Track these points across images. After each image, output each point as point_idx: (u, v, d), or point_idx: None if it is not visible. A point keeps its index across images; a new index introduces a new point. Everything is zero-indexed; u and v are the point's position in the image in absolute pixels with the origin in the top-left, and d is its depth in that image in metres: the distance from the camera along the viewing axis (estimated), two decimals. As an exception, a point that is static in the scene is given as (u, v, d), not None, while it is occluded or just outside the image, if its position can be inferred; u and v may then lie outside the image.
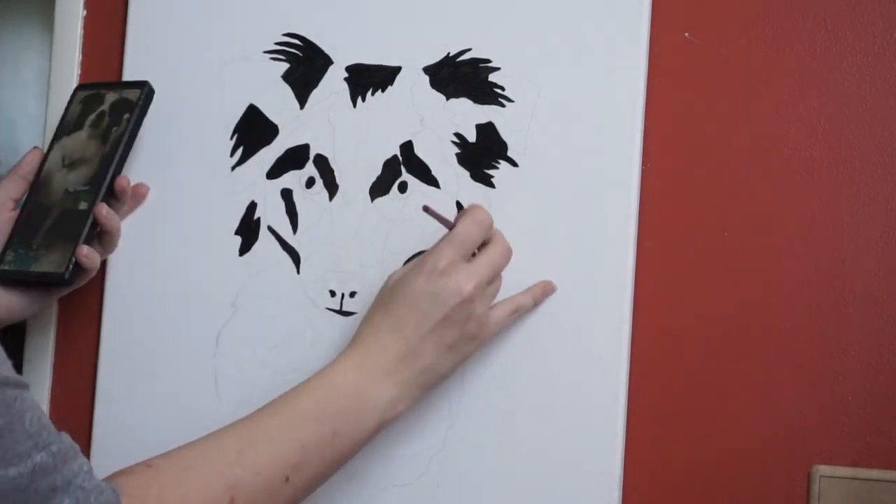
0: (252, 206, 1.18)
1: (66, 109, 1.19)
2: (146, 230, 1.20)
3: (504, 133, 1.12)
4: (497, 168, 1.12)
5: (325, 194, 1.15)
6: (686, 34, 1.11)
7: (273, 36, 1.19)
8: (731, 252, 1.09)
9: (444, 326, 1.01)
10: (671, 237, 1.10)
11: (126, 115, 1.15)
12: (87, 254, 1.11)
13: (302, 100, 1.18)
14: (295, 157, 1.17)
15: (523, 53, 1.12)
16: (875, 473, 1.03)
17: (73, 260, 1.10)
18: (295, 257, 1.16)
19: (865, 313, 1.06)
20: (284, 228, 1.16)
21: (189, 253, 1.19)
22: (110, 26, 1.26)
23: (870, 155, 1.07)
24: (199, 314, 1.18)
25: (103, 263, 1.21)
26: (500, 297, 1.07)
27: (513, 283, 1.10)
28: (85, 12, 1.26)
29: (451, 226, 1.05)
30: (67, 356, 1.24)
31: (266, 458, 0.94)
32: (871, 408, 1.05)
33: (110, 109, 1.17)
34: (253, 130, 1.18)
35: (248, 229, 1.17)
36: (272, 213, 1.17)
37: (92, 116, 1.17)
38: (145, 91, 1.16)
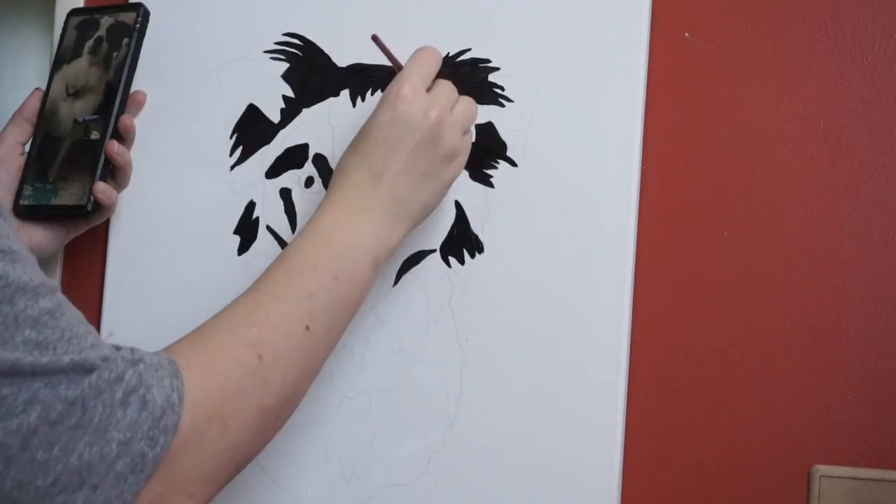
0: (251, 206, 1.18)
1: (62, 37, 1.19)
2: (145, 229, 1.20)
3: (503, 133, 1.12)
4: (496, 168, 1.12)
5: (325, 194, 1.15)
6: (686, 34, 1.11)
7: (273, 36, 1.19)
8: (731, 252, 1.09)
9: (415, 153, 1.00)
10: (671, 237, 1.10)
11: (125, 40, 1.15)
12: (104, 190, 1.12)
13: (301, 99, 1.18)
14: (294, 157, 1.17)
15: (523, 53, 1.12)
16: (875, 473, 1.03)
17: (92, 192, 1.11)
18: (294, 257, 1.16)
19: (865, 313, 1.05)
20: (283, 228, 1.16)
21: (188, 252, 1.19)
22: (110, 26, 1.26)
23: (870, 155, 1.07)
24: (198, 314, 1.17)
25: (103, 263, 1.21)
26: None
27: (512, 283, 1.10)
28: (85, 11, 1.26)
29: (399, 66, 1.05)
30: (67, 356, 1.24)
31: (279, 313, 0.93)
32: (871, 408, 1.05)
33: (108, 34, 1.17)
34: (252, 130, 1.18)
35: (247, 229, 1.17)
36: (271, 213, 1.17)
37: (89, 42, 1.17)
38: (141, 13, 1.16)
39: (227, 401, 0.87)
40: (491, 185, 1.12)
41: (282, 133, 1.18)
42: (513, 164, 1.11)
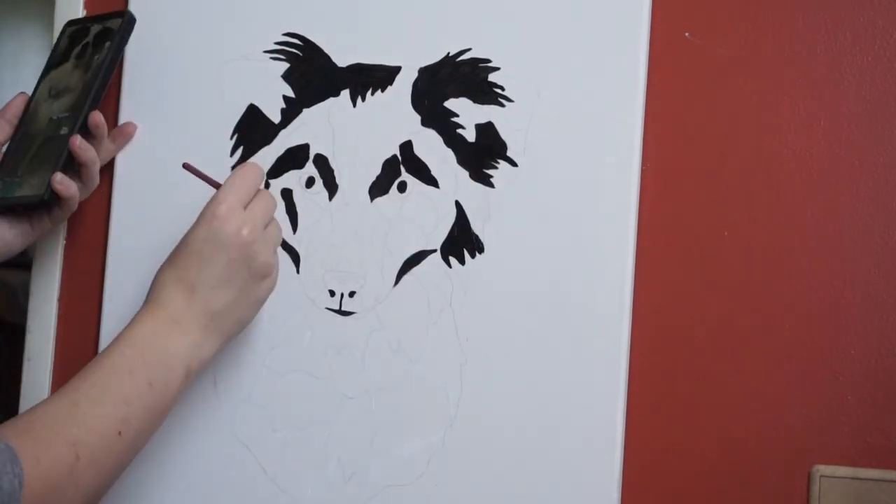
0: (251, 206, 1.18)
1: (55, 45, 1.20)
2: (145, 229, 1.20)
3: (503, 133, 1.12)
4: (496, 168, 1.12)
5: (325, 194, 1.15)
6: (686, 34, 1.11)
7: (273, 36, 1.19)
8: (731, 252, 1.09)
9: (229, 270, 1.04)
10: (671, 237, 1.10)
11: (107, 43, 1.16)
12: (61, 180, 1.11)
13: (302, 99, 1.18)
14: (295, 157, 1.17)
15: (523, 53, 1.12)
16: (875, 473, 1.03)
17: (50, 182, 1.11)
18: (294, 257, 1.16)
19: (865, 313, 1.06)
20: (284, 228, 1.16)
21: (188, 252, 1.18)
22: (110, 26, 1.26)
23: (870, 155, 1.07)
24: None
25: (103, 263, 1.21)
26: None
27: (512, 283, 1.10)
28: (85, 12, 1.26)
29: (216, 185, 1.07)
30: (68, 356, 1.24)
31: (95, 416, 0.96)
32: (871, 408, 1.05)
33: (93, 39, 1.18)
34: (253, 130, 1.18)
35: (248, 229, 1.17)
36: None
37: (77, 48, 1.18)
38: (126, 18, 1.17)
39: (46, 496, 0.90)
40: (491, 185, 1.12)
41: (282, 133, 1.18)
42: (513, 164, 1.11)
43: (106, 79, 1.15)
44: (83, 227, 1.24)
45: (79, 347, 1.23)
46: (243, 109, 1.19)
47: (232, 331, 1.06)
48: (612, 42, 1.10)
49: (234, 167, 1.18)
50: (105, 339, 1.21)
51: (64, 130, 1.13)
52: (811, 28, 1.09)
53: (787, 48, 1.09)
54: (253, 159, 1.18)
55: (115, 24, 1.17)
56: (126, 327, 1.03)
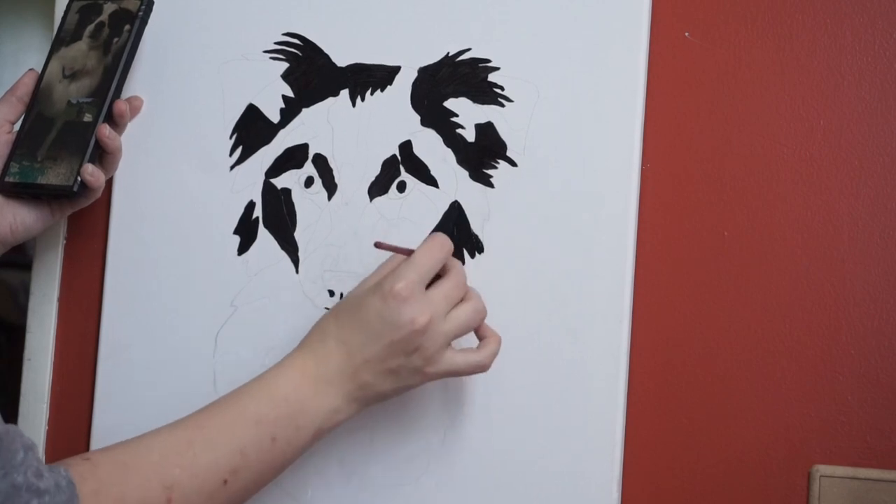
0: (251, 206, 1.18)
1: (63, 20, 1.18)
2: (145, 229, 1.20)
3: (503, 133, 1.12)
4: (496, 168, 1.12)
5: (324, 194, 1.15)
6: (686, 34, 1.11)
7: (273, 36, 1.19)
8: (731, 252, 1.09)
9: (390, 351, 1.00)
10: (671, 237, 1.10)
11: (127, 27, 1.15)
12: (92, 172, 1.11)
13: (301, 99, 1.18)
14: (294, 157, 1.17)
15: (523, 53, 1.12)
16: (875, 473, 1.03)
17: (80, 174, 1.10)
18: (294, 257, 1.16)
19: (865, 313, 1.05)
20: (283, 228, 1.16)
21: (187, 252, 1.18)
22: (110, 26, 1.26)
23: (870, 155, 1.07)
24: (198, 314, 1.18)
25: (103, 263, 1.21)
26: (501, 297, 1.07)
27: (512, 282, 1.10)
28: (85, 12, 1.26)
29: (409, 253, 1.04)
30: (67, 355, 1.24)
31: (205, 461, 0.94)
32: (871, 408, 1.05)
33: (109, 20, 1.16)
34: (252, 130, 1.18)
35: (247, 229, 1.17)
36: (271, 213, 1.17)
37: (90, 27, 1.17)
38: (145, 2, 1.16)
39: None
40: (491, 185, 1.12)
41: (281, 133, 1.18)
42: (513, 164, 1.11)
43: (128, 65, 1.15)
44: (83, 227, 1.24)
45: (79, 347, 1.23)
46: (243, 109, 1.19)
47: (372, 402, 1.02)
48: (612, 42, 1.10)
49: (233, 167, 1.18)
50: (104, 338, 1.20)
51: (87, 117, 1.12)
52: (811, 28, 1.09)
53: (787, 48, 1.09)
54: (252, 159, 1.18)
55: (132, 5, 1.16)
56: (273, 370, 1.00)
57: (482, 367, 1.03)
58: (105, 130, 1.12)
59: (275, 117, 1.18)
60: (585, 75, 1.10)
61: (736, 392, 1.07)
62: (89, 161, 1.11)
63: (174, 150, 1.20)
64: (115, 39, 1.15)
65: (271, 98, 1.18)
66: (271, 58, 1.19)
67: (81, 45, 1.16)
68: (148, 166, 1.20)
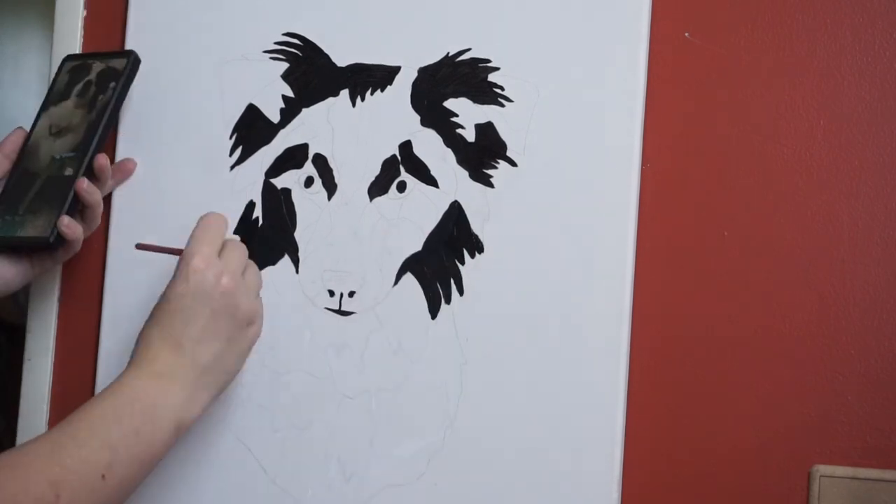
0: (251, 206, 1.18)
1: (54, 80, 1.20)
2: (144, 229, 1.20)
3: (503, 133, 1.12)
4: (496, 168, 1.12)
5: (324, 194, 1.15)
6: (686, 34, 1.11)
7: (273, 36, 1.19)
8: (731, 252, 1.09)
9: (215, 321, 1.04)
10: (671, 237, 1.10)
11: (112, 84, 1.16)
12: (68, 224, 1.11)
13: (301, 99, 1.18)
14: (294, 157, 1.17)
15: (523, 53, 1.12)
16: (875, 473, 1.03)
17: (57, 226, 1.11)
18: (294, 257, 1.16)
19: (865, 313, 1.05)
20: (283, 228, 1.16)
21: (188, 252, 1.18)
22: (110, 26, 1.26)
23: (870, 155, 1.07)
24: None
25: (103, 263, 1.21)
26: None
27: (512, 282, 1.10)
28: (85, 12, 1.26)
29: (178, 251, 1.07)
30: (67, 358, 1.24)
31: (79, 459, 0.96)
32: (871, 408, 1.05)
33: (97, 78, 1.18)
34: (252, 130, 1.18)
35: (247, 229, 1.17)
36: (271, 213, 1.17)
37: (79, 86, 1.18)
38: (131, 59, 1.17)
39: None
40: (491, 185, 1.12)
41: (281, 133, 1.18)
42: (513, 164, 1.11)
43: (111, 121, 1.16)
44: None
45: (79, 347, 1.23)
46: (243, 109, 1.19)
47: (221, 383, 1.06)
48: (612, 42, 1.10)
49: (233, 167, 1.18)
50: (105, 340, 1.21)
51: (68, 171, 1.13)
52: (811, 28, 1.09)
53: (786, 48, 1.09)
54: (252, 159, 1.18)
55: (119, 63, 1.17)
56: (114, 382, 1.02)
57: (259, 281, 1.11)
58: (83, 184, 1.12)
59: (275, 117, 1.18)
60: (585, 75, 1.10)
61: (736, 392, 1.07)
62: (67, 213, 1.11)
63: (174, 150, 1.20)
64: (101, 97, 1.16)
65: (271, 98, 1.18)
66: (271, 58, 1.19)
67: (69, 104, 1.18)
68: (148, 166, 1.20)
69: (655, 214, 1.10)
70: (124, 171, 1.20)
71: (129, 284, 1.20)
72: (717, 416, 1.08)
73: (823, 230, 1.07)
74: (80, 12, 1.26)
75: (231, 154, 1.19)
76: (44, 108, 1.18)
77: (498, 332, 1.10)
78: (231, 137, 1.19)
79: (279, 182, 1.17)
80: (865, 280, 1.06)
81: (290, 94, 1.18)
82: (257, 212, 1.17)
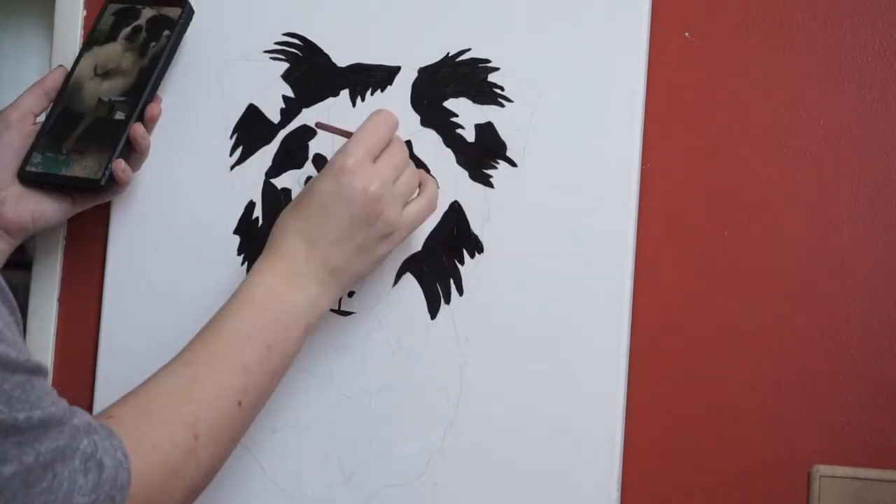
0: (251, 206, 1.18)
1: (97, 21, 1.19)
2: (145, 229, 1.20)
3: (503, 133, 1.12)
4: (496, 168, 1.12)
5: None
6: (686, 34, 1.11)
7: (273, 36, 1.19)
8: (731, 252, 1.09)
9: (353, 226, 1.02)
10: (671, 237, 1.10)
11: (166, 32, 1.16)
12: (124, 168, 1.12)
13: (301, 99, 1.17)
14: (294, 157, 1.17)
15: (523, 53, 1.12)
16: (875, 473, 1.03)
17: (110, 168, 1.11)
18: (294, 257, 1.16)
19: (865, 313, 1.05)
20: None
21: (187, 252, 1.19)
22: (110, 26, 1.26)
23: (870, 155, 1.07)
24: (198, 314, 1.17)
25: (103, 263, 1.21)
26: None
27: (512, 283, 1.10)
28: (85, 12, 1.26)
29: (348, 134, 1.06)
30: (66, 355, 1.24)
31: (214, 389, 0.95)
32: (871, 408, 1.05)
33: (147, 24, 1.17)
34: (252, 130, 1.18)
35: (247, 229, 1.17)
36: (271, 213, 1.17)
37: (127, 30, 1.18)
38: (186, 9, 1.17)
39: (165, 481, 0.90)
40: (491, 185, 1.12)
41: (281, 133, 1.18)
42: (513, 164, 1.11)
43: (165, 68, 1.16)
44: (83, 227, 1.24)
45: (79, 347, 1.23)
46: (243, 109, 1.19)
47: (349, 285, 1.05)
48: (612, 42, 1.10)
49: (233, 167, 1.18)
50: (104, 338, 1.21)
51: (119, 115, 1.13)
52: (811, 28, 1.09)
53: (786, 48, 1.09)
54: (252, 159, 1.18)
55: (173, 12, 1.17)
56: (246, 282, 1.01)
57: (433, 205, 1.09)
58: (139, 130, 1.13)
59: (275, 117, 1.18)
60: (585, 75, 1.10)
61: (736, 392, 1.07)
62: (120, 156, 1.12)
63: (174, 150, 1.20)
64: (153, 43, 1.16)
65: (271, 98, 1.18)
66: (271, 58, 1.19)
67: (116, 47, 1.17)
68: (148, 166, 1.20)
69: (655, 214, 1.10)
70: (152, 117, 1.19)
71: (129, 284, 1.20)
72: (717, 416, 1.08)
73: (823, 230, 1.07)
74: (80, 12, 1.26)
75: (231, 154, 1.19)
76: (86, 48, 1.18)
77: (497, 332, 1.10)
78: (231, 137, 1.19)
79: (279, 182, 1.17)
80: (866, 280, 1.06)
81: (290, 94, 1.18)
82: (257, 212, 1.17)
